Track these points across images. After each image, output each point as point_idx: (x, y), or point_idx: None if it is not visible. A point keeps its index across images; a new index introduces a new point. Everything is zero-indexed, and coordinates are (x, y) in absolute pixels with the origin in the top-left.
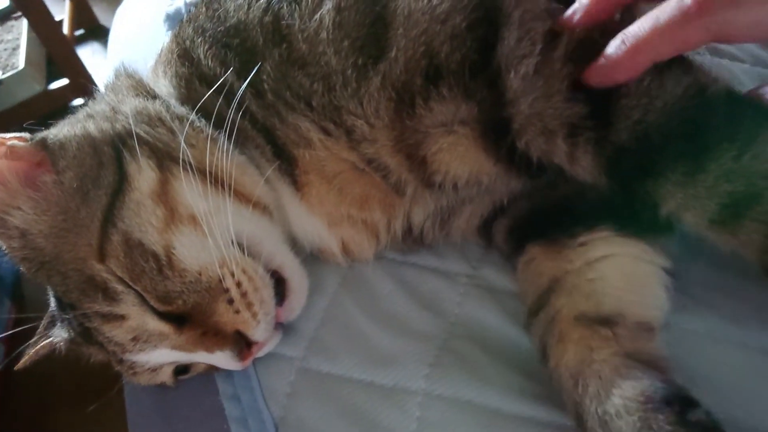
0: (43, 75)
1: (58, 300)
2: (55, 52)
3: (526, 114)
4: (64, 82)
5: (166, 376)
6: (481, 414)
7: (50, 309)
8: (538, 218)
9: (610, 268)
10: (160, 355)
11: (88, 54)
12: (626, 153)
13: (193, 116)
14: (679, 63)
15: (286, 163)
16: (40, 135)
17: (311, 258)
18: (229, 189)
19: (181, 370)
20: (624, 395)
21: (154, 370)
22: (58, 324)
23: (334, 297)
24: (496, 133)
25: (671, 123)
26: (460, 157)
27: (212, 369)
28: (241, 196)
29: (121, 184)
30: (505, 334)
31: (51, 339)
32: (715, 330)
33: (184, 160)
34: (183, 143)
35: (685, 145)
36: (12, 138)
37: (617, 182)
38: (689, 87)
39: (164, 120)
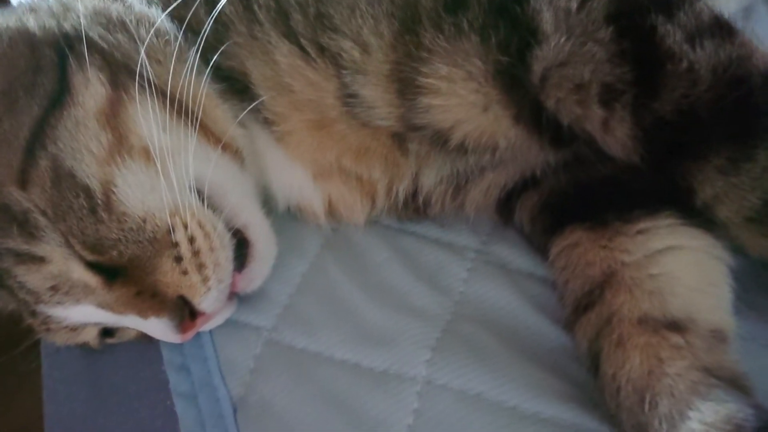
0: None
1: None
2: None
3: (559, 60)
4: None
5: (88, 336)
6: (494, 411)
7: None
8: (582, 196)
9: (677, 262)
10: (81, 313)
11: None
12: (667, 127)
13: (160, 20)
14: (738, 39)
15: (263, 101)
16: None
17: (288, 216)
18: (196, 122)
19: (107, 331)
20: (704, 420)
21: (74, 329)
22: None
23: (314, 261)
24: (518, 84)
25: (723, 100)
26: (466, 106)
27: (144, 338)
28: (209, 134)
29: (60, 96)
30: (521, 321)
31: None
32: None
33: (144, 77)
34: (143, 54)
35: (734, 127)
36: None
37: (651, 160)
38: (748, 62)
39: (126, 25)
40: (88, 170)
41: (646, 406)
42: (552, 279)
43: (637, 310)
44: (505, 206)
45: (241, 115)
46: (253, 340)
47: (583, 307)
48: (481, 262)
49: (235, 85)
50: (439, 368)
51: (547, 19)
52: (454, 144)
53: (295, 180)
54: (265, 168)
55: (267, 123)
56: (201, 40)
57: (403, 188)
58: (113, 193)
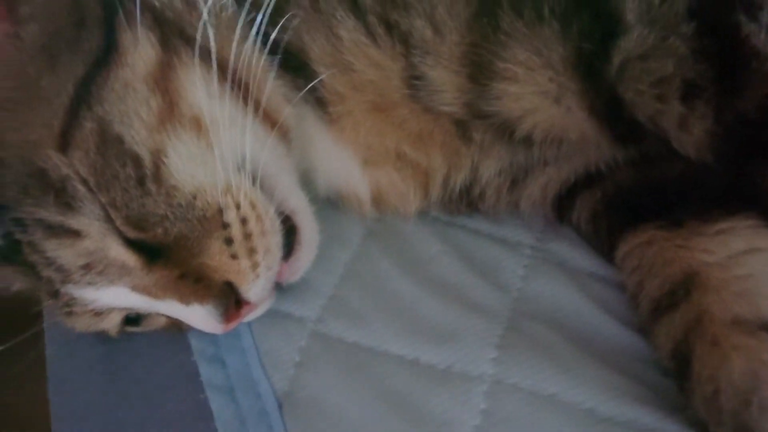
0: None
1: None
2: None
3: (640, 52)
4: None
5: (111, 323)
6: (569, 413)
7: None
8: (652, 193)
9: (763, 264)
10: (113, 295)
11: None
12: (749, 125)
13: None
14: None
15: (320, 80)
16: None
17: (326, 204)
18: (250, 97)
19: (132, 319)
20: None
21: (99, 313)
22: None
23: (358, 251)
24: (596, 75)
25: None
26: (540, 95)
27: (173, 327)
28: (262, 111)
29: (107, 54)
30: (586, 321)
31: None
32: None
33: (196, 42)
34: (205, 16)
35: None
36: None
37: (728, 159)
38: None
39: None
40: (138, 137)
41: (755, 410)
42: (615, 279)
43: (729, 312)
44: (563, 203)
45: (299, 94)
46: (297, 331)
47: (665, 306)
48: (538, 259)
49: (290, 62)
50: (507, 367)
51: (631, 9)
52: (521, 135)
53: (341, 165)
54: (309, 151)
55: (319, 103)
56: (266, 8)
57: (460, 179)
58: (163, 163)
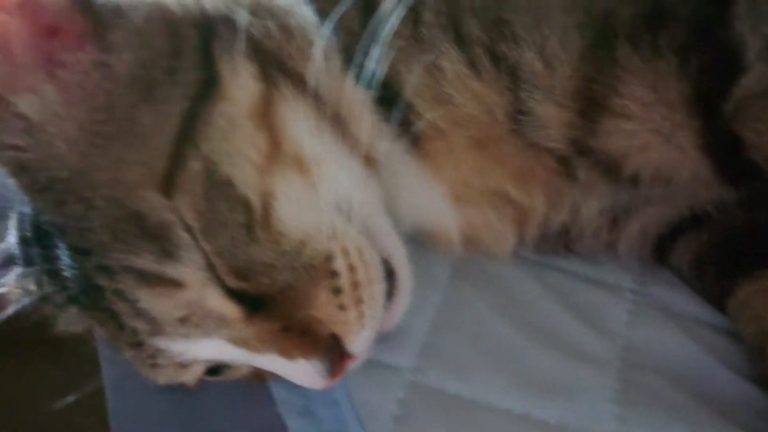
0: None
1: (42, 234)
2: None
3: (760, 90)
4: None
5: (194, 374)
6: None
7: (3, 245)
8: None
9: None
10: (209, 348)
11: None
12: None
13: (308, 11)
14: None
15: (415, 113)
16: None
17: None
18: (350, 134)
19: (212, 369)
20: None
21: (185, 365)
22: (19, 269)
23: (448, 294)
24: (713, 112)
25: None
26: (651, 132)
27: (255, 376)
28: (356, 146)
29: (208, 87)
30: (700, 371)
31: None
32: None
33: (293, 74)
34: (321, 48)
35: None
36: None
37: None
38: None
39: (273, 11)
40: (248, 179)
41: None
42: (722, 325)
43: None
44: (664, 244)
45: (392, 129)
46: (393, 381)
47: None
48: (641, 304)
49: (384, 94)
50: (632, 426)
51: (751, 46)
52: (628, 173)
53: (431, 203)
54: (396, 188)
55: (413, 139)
56: (365, 39)
57: (559, 219)
58: (273, 208)
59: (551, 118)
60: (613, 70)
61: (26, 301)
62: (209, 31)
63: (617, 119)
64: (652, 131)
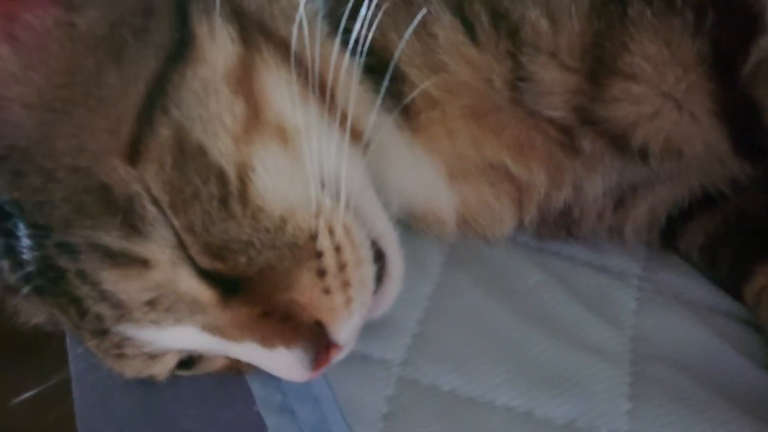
0: None
1: (2, 216)
2: None
3: None
4: None
5: (164, 367)
6: None
7: None
8: None
9: None
10: (180, 336)
11: None
12: None
13: None
14: None
15: (407, 83)
16: None
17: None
18: (335, 104)
19: (185, 362)
20: None
21: (154, 356)
22: None
23: (440, 281)
24: (729, 74)
25: None
26: (662, 97)
27: (232, 368)
28: (343, 120)
29: (182, 48)
30: (718, 362)
31: None
32: None
33: (276, 38)
34: (302, 9)
35: None
36: None
37: None
38: None
39: None
40: (223, 147)
41: None
42: (738, 313)
43: None
44: (673, 227)
45: (381, 99)
46: (381, 376)
47: None
48: (649, 291)
49: (372, 62)
50: (645, 422)
51: None
52: (636, 146)
53: (424, 181)
54: (385, 166)
55: (404, 110)
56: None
57: (561, 198)
58: (250, 180)
59: (555, 83)
60: (624, 26)
61: None
62: None
63: (627, 82)
64: (664, 96)
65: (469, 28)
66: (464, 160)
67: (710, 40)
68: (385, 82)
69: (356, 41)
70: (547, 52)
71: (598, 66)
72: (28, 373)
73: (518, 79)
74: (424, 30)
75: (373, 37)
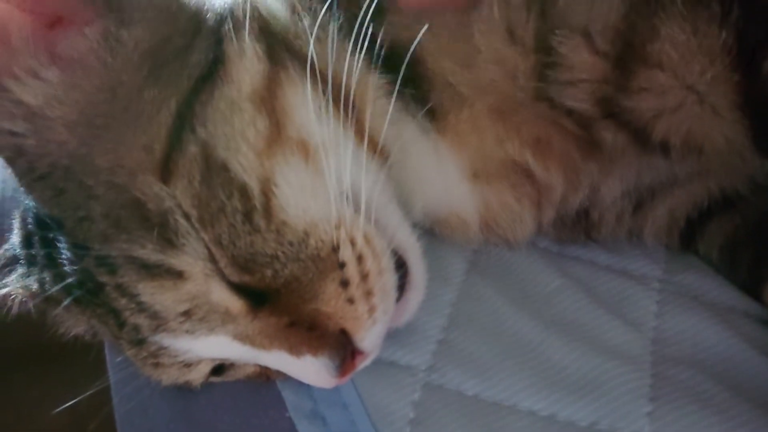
0: None
1: (41, 227)
2: None
3: None
4: None
5: (199, 374)
6: None
7: (7, 246)
8: None
9: None
10: (212, 345)
11: None
12: None
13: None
14: None
15: (424, 88)
16: None
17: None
18: (353, 116)
19: (216, 368)
20: None
21: (189, 364)
22: (21, 269)
23: (463, 288)
24: (755, 68)
25: None
26: (686, 89)
27: (262, 375)
28: (363, 132)
29: (212, 69)
30: (740, 363)
31: (5, 290)
32: None
33: (299, 54)
34: (315, 27)
35: None
36: None
37: None
38: None
39: None
40: (246, 163)
41: None
42: (759, 314)
43: None
44: (692, 228)
45: (406, 104)
46: (408, 382)
47: None
48: (670, 293)
49: (394, 64)
50: (665, 424)
51: None
52: (657, 139)
53: (446, 184)
54: (409, 170)
55: (428, 112)
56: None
57: (578, 199)
58: (273, 195)
59: (584, 68)
60: (656, 10)
61: (26, 300)
62: (224, 14)
63: (653, 70)
64: (687, 89)
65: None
66: (489, 158)
67: (736, 31)
68: (411, 88)
69: (378, 48)
70: (580, 28)
71: (628, 51)
72: (68, 382)
73: (546, 67)
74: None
75: (396, 39)
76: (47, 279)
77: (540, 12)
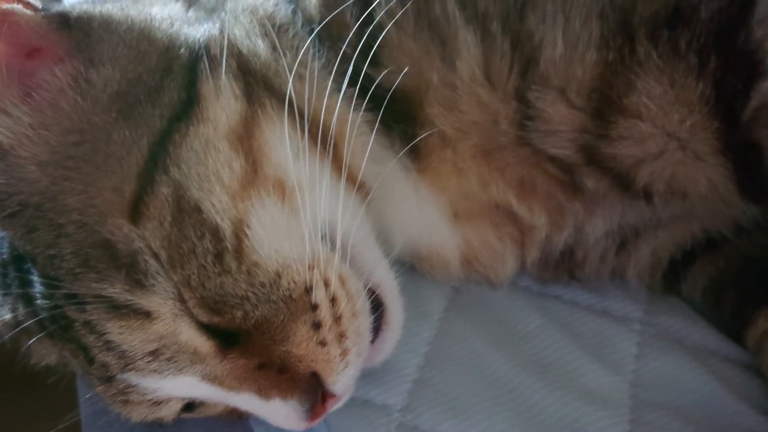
0: None
1: (18, 263)
2: None
3: None
4: None
5: (169, 411)
6: None
7: None
8: None
9: None
10: (180, 386)
11: None
12: None
13: (300, 26)
14: None
15: (408, 127)
16: (58, 6)
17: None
18: (332, 152)
19: (188, 405)
20: None
21: (158, 402)
22: None
23: (441, 326)
24: (731, 117)
25: None
26: (666, 137)
27: (232, 413)
28: (341, 167)
29: (186, 108)
30: (719, 410)
31: None
32: None
33: (279, 94)
34: (295, 65)
35: None
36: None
37: None
38: None
39: (267, 28)
40: (219, 205)
41: None
42: (741, 358)
43: None
44: (675, 270)
45: (389, 142)
46: (382, 422)
47: None
48: (651, 335)
49: (379, 104)
50: None
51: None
52: (639, 185)
53: (427, 221)
54: (389, 207)
55: (411, 151)
56: (360, 47)
57: (562, 239)
58: (246, 236)
59: (562, 120)
60: (632, 64)
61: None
62: (200, 51)
63: (632, 120)
64: (668, 136)
65: (489, 51)
66: (470, 199)
67: (713, 82)
68: (398, 127)
69: (362, 90)
70: (557, 87)
71: (605, 104)
72: (39, 414)
73: (525, 118)
74: (447, 65)
75: (396, 87)
76: (21, 306)
77: (521, 71)
